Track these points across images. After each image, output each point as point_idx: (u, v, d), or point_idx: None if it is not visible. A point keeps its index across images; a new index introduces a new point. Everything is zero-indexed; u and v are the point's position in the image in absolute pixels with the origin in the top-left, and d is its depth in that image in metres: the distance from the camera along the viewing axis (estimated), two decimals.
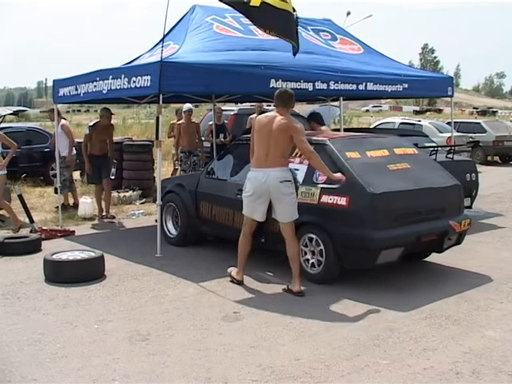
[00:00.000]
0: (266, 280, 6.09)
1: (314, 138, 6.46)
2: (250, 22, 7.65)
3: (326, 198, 5.84)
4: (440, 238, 6.12)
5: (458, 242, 6.46)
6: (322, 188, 5.92)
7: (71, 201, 10.49)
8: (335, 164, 5.90)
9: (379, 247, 5.54)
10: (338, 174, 5.67)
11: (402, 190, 5.83)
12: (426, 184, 6.12)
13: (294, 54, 7.26)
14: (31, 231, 8.09)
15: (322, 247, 5.84)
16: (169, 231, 7.75)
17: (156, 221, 8.11)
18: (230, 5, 7.03)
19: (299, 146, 5.63)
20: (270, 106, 17.15)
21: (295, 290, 5.63)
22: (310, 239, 5.97)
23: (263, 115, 5.86)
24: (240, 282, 5.94)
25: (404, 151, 6.52)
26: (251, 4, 6.69)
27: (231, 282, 5.96)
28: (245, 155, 6.51)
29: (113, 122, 10.03)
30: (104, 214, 9.57)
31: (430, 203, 6.06)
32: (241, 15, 7.62)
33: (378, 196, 5.57)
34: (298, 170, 6.16)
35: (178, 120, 11.36)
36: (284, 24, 6.93)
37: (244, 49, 7.86)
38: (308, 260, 6.01)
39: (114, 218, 9.56)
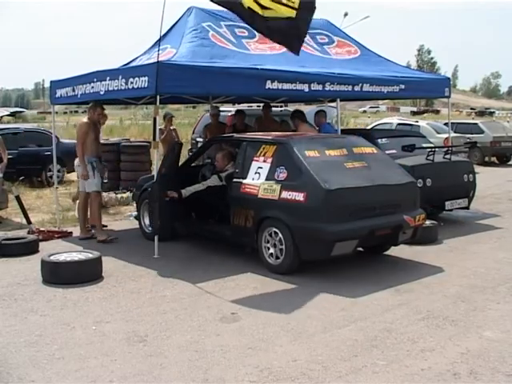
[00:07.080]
0: (263, 281, 6.08)
1: (277, 138, 6.85)
2: (243, 34, 7.66)
3: (285, 194, 6.15)
4: (394, 231, 6.42)
5: (415, 236, 6.71)
6: (282, 184, 6.20)
7: None
8: (294, 162, 6.24)
9: (333, 239, 5.85)
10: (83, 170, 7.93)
11: (357, 186, 6.12)
12: (380, 181, 6.38)
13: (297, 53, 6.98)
14: (29, 232, 8.09)
15: (282, 240, 6.12)
16: (146, 227, 8.01)
17: (135, 218, 8.28)
18: (222, 5, 6.97)
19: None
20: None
21: (99, 239, 7.72)
22: (272, 233, 6.25)
23: (84, 122, 8.10)
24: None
25: (362, 150, 6.81)
26: (244, 4, 6.66)
27: (103, 241, 7.66)
28: (210, 155, 7.31)
29: (110, 122, 9.94)
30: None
31: (384, 199, 6.34)
32: (235, 26, 7.67)
33: (332, 192, 5.88)
34: (261, 167, 6.52)
35: (165, 126, 10.71)
36: (276, 29, 6.88)
37: (237, 60, 7.81)
38: (270, 251, 6.30)
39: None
